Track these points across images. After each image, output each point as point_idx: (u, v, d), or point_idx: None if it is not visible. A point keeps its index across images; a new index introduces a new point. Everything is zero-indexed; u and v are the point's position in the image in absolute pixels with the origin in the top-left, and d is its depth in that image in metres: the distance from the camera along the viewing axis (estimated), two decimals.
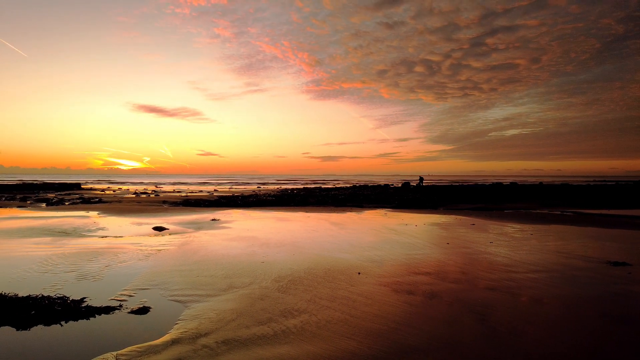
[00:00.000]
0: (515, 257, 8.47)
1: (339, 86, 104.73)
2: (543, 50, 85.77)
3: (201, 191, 41.23)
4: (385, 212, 19.10)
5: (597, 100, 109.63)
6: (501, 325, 4.67)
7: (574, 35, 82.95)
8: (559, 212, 18.81)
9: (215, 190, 44.65)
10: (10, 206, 21.62)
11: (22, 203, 23.81)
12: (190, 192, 38.12)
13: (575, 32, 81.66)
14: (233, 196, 30.37)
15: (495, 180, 74.71)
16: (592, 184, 57.40)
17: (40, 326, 4.59)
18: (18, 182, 51.91)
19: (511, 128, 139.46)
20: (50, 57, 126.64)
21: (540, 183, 53.56)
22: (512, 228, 13.16)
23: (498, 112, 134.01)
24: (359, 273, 7.10)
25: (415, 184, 46.39)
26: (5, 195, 30.43)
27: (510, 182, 53.12)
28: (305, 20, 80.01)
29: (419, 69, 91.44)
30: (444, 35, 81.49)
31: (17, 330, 4.49)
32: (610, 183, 60.52)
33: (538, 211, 19.49)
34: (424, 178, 49.45)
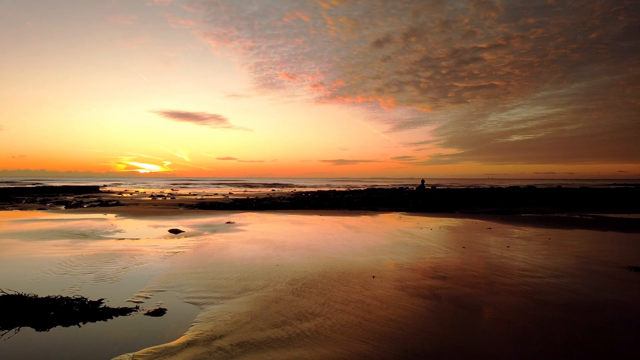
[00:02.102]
0: (533, 262, 8.33)
1: (341, 100, 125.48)
2: (512, 75, 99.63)
3: (216, 194, 41.54)
4: (400, 216, 18.99)
5: (585, 109, 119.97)
6: (519, 330, 4.59)
7: (539, 62, 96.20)
8: (578, 216, 18.46)
9: (230, 193, 44.95)
10: (31, 209, 22.08)
11: (42, 205, 24.29)
12: (205, 195, 38.43)
13: (537, 61, 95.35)
14: (248, 199, 30.53)
15: (511, 184, 74.02)
16: (612, 187, 56.26)
17: (58, 327, 4.67)
18: (38, 185, 53.05)
19: (513, 134, 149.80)
20: (84, 67, 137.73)
21: (559, 186, 52.69)
22: (529, 232, 12.96)
23: (495, 120, 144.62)
24: (374, 277, 7.06)
25: (417, 188, 46.26)
26: (26, 198, 31.08)
27: (528, 186, 52.37)
28: (313, 54, 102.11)
29: (409, 88, 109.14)
30: (424, 65, 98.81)
31: (37, 330, 4.57)
32: (631, 186, 59.18)
33: (556, 215, 19.16)
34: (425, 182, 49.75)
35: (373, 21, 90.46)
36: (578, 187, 52.71)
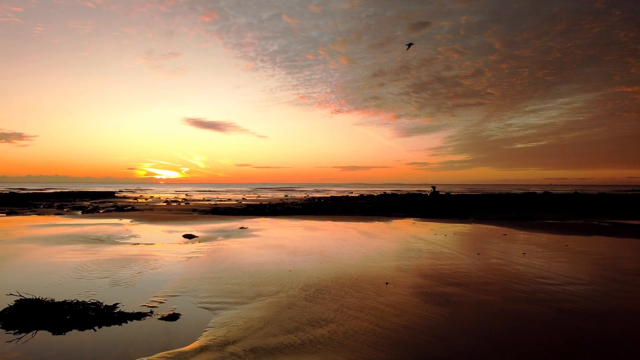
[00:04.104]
0: (550, 269, 8.19)
1: (348, 113, 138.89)
2: (494, 95, 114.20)
3: (230, 199, 41.79)
4: (414, 222, 18.86)
5: (577, 121, 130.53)
6: (534, 339, 4.51)
7: (519, 83, 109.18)
8: (596, 223, 18.13)
9: (243, 198, 45.18)
10: (48, 214, 22.46)
11: (59, 211, 24.70)
12: (219, 201, 38.68)
13: (518, 82, 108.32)
14: (261, 204, 30.65)
15: (524, 190, 73.19)
16: (629, 193, 55.20)
17: (74, 331, 4.73)
18: (55, 191, 54.00)
19: (516, 142, 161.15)
20: (123, 86, 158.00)
21: (576, 192, 51.80)
22: (546, 239, 12.76)
23: (495, 129, 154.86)
24: (387, 283, 7.01)
25: (430, 194, 46.06)
26: (44, 203, 31.64)
27: (544, 192, 51.58)
28: (323, 79, 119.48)
29: (404, 105, 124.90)
30: (414, 88, 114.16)
31: (53, 334, 4.63)
32: None
33: (573, 221, 18.84)
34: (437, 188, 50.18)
35: (368, 59, 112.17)
36: (595, 193, 51.75)
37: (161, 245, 11.22)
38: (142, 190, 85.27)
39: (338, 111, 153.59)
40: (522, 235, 13.70)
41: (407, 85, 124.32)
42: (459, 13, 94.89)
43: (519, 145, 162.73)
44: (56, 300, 5.60)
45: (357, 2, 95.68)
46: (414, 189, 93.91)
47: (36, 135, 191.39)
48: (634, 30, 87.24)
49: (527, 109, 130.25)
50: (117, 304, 5.68)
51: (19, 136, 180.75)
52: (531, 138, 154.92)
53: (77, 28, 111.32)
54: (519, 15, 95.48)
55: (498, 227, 16.10)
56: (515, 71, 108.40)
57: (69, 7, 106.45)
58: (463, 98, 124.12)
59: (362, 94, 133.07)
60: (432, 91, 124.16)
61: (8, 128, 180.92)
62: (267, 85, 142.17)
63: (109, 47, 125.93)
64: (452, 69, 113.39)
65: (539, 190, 64.07)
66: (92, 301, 5.64)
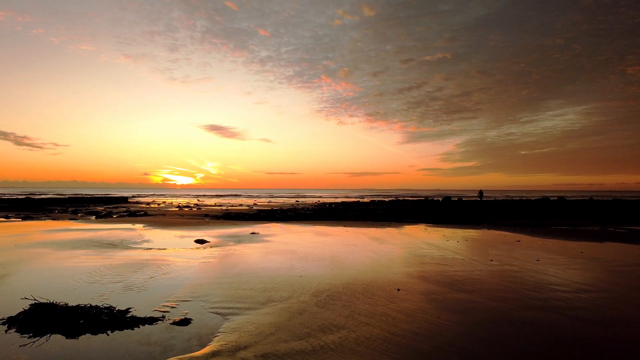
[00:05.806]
0: (565, 276, 8.07)
1: (356, 123, 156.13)
2: (484, 110, 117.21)
3: (241, 205, 41.96)
4: (426, 227, 18.73)
5: (572, 130, 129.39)
6: (547, 347, 4.44)
7: (507, 98, 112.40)
8: (612, 229, 17.83)
9: (255, 204, 45.34)
10: (63, 219, 22.78)
11: (74, 216, 25.04)
12: (230, 206, 38.84)
13: (507, 98, 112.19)
14: (272, 210, 30.71)
15: (535, 196, 72.41)
16: None
17: (87, 335, 4.77)
18: (70, 196, 54.85)
19: (518, 149, 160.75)
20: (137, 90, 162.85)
21: (591, 198, 51.02)
22: (560, 245, 12.57)
23: (497, 137, 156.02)
24: (399, 289, 6.97)
25: (442, 199, 45.53)
26: (59, 209, 32.12)
27: (558, 197, 50.86)
28: (333, 96, 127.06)
29: (406, 118, 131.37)
30: (411, 105, 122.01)
31: (67, 338, 4.68)
32: None
33: (588, 228, 18.55)
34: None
35: (371, 81, 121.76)
36: (610, 199, 50.91)
37: (173, 250, 11.30)
38: (155, 195, 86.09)
39: (345, 122, 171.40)
40: (535, 241, 13.52)
41: (404, 102, 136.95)
42: (442, 49, 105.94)
43: (523, 152, 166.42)
44: (70, 304, 5.67)
45: (360, 41, 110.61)
46: (426, 195, 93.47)
47: (68, 145, 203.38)
48: (596, 60, 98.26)
49: (522, 120, 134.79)
50: (129, 308, 5.73)
51: (54, 145, 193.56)
52: (533, 146, 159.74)
53: (128, 62, 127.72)
54: (495, 48, 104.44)
55: (511, 234, 15.92)
56: (502, 90, 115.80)
57: (132, 46, 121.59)
58: (458, 113, 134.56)
59: (367, 109, 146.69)
60: (427, 107, 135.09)
61: (47, 139, 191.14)
62: (284, 102, 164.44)
63: (153, 74, 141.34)
64: (442, 90, 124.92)
65: (551, 196, 63.31)
66: (105, 305, 5.69)
